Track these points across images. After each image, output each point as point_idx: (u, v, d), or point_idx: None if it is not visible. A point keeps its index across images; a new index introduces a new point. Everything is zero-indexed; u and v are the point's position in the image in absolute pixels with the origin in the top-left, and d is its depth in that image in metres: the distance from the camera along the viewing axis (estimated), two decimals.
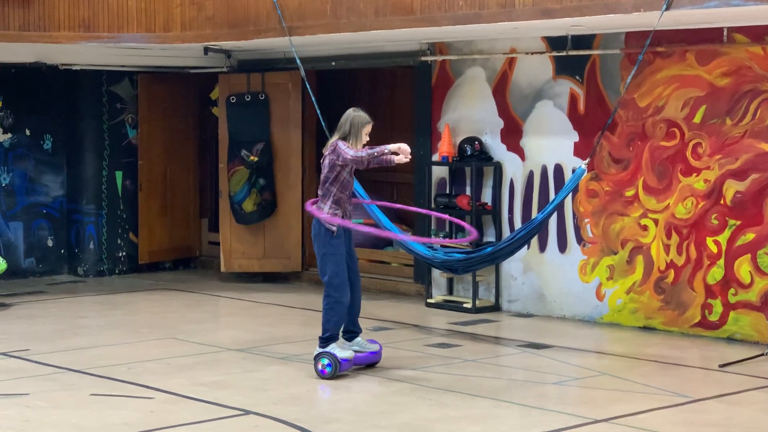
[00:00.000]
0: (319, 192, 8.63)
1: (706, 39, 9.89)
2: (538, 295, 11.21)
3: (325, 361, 8.47)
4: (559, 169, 11.01)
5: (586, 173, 9.35)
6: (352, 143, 8.52)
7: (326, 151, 8.60)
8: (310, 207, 8.60)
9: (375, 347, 8.88)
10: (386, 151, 8.44)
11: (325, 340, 8.56)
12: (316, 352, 8.59)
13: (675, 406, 7.71)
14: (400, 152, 8.45)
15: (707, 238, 9.97)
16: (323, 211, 8.48)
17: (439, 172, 11.96)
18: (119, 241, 14.12)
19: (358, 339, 8.81)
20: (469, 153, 11.47)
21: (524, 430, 7.19)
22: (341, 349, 8.55)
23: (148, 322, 11.04)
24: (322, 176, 8.60)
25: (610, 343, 10.05)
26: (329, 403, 8.04)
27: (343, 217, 8.55)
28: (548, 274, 11.12)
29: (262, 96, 13.31)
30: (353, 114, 8.62)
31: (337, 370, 8.46)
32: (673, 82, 10.17)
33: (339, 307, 8.55)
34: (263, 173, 13.28)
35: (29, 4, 11.31)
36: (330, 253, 8.51)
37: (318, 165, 13.75)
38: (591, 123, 10.71)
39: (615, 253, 10.60)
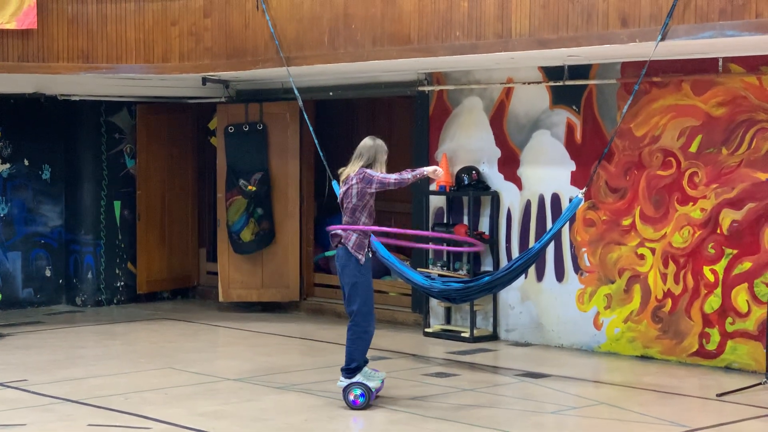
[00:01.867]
0: (347, 219, 8.52)
1: (702, 69, 9.94)
2: (536, 324, 11.21)
3: (358, 392, 8.39)
4: (556, 199, 11.04)
5: (583, 202, 9.37)
6: (377, 170, 8.53)
7: (350, 180, 8.50)
8: (338, 228, 8.50)
9: (383, 375, 8.84)
10: (425, 173, 8.55)
11: (352, 371, 8.47)
12: (344, 383, 8.48)
13: None
14: (435, 175, 8.61)
15: (704, 267, 9.98)
16: (351, 238, 8.45)
17: (437, 202, 11.98)
18: (117, 271, 14.13)
19: (366, 369, 8.70)
20: (466, 182, 11.50)
21: None
22: (368, 379, 8.49)
23: (147, 351, 11.02)
24: (350, 205, 8.48)
25: (608, 372, 10.05)
26: None
27: (368, 247, 8.54)
28: (546, 303, 11.12)
29: (260, 126, 13.35)
30: (375, 143, 8.61)
31: (369, 400, 8.40)
32: (669, 111, 10.21)
33: (366, 337, 8.48)
34: (261, 203, 13.30)
35: (28, 35, 11.36)
36: (360, 282, 8.45)
37: (317, 193, 13.88)
38: (588, 152, 10.74)
39: (612, 282, 10.61)
